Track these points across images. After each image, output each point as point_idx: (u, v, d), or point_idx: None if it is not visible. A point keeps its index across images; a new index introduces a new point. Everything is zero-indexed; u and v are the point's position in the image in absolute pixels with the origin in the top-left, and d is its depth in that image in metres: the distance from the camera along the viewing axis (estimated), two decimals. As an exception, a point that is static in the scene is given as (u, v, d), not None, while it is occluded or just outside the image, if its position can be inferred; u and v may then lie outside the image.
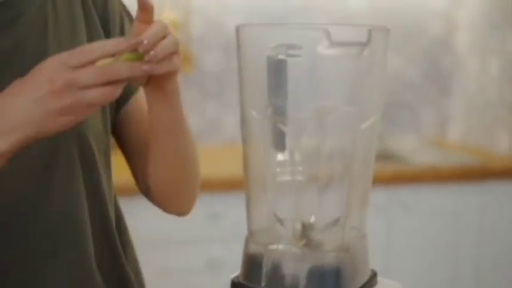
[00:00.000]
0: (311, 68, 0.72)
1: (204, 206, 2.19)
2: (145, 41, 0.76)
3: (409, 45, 2.86)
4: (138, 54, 0.76)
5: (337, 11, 2.77)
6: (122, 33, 0.98)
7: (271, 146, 0.76)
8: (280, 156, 0.76)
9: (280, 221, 0.76)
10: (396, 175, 2.40)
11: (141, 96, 0.99)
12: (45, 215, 0.87)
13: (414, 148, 2.74)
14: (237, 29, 0.73)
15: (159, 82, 0.85)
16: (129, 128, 1.00)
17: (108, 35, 0.96)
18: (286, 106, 0.74)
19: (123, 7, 1.01)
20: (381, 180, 2.37)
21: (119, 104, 0.98)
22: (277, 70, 0.74)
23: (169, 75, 0.84)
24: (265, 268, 0.74)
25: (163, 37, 0.78)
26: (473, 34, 2.83)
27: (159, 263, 2.19)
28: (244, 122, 0.75)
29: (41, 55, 0.88)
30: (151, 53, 0.76)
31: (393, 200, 2.40)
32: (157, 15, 2.54)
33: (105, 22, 0.97)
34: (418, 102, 2.91)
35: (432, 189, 2.42)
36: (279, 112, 0.75)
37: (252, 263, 0.75)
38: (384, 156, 2.66)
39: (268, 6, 2.68)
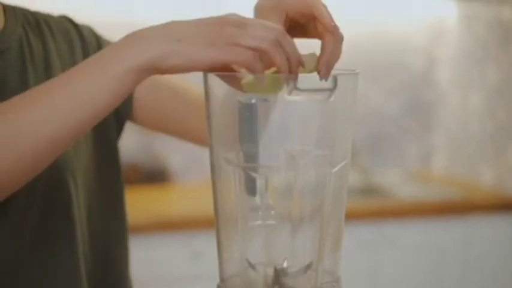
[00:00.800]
0: (280, 112, 0.72)
1: (186, 244, 2.18)
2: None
3: (390, 80, 2.88)
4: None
5: (316, 48, 2.78)
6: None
7: (241, 191, 0.75)
8: (251, 201, 0.76)
9: (253, 267, 0.75)
10: (380, 210, 2.40)
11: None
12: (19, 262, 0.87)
13: (398, 182, 2.74)
14: (205, 75, 0.73)
15: None
16: (150, 109, 1.01)
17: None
18: (258, 151, 0.74)
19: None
20: (365, 216, 2.37)
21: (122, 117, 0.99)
22: (248, 114, 0.74)
23: None
24: (238, 315, 0.73)
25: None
26: (453, 68, 2.85)
27: (141, 302, 2.16)
28: (213, 167, 0.75)
29: (22, 87, 0.88)
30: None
31: (377, 235, 2.39)
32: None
33: (85, 51, 0.97)
34: (401, 135, 2.92)
35: (416, 223, 2.42)
36: (249, 157, 0.74)
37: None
38: (368, 190, 2.66)
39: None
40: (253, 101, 0.73)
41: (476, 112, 2.72)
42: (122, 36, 0.72)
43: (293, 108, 0.71)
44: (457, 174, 2.81)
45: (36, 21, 0.96)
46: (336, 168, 0.74)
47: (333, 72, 0.70)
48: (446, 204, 2.44)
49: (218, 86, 0.73)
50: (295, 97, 0.68)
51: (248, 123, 0.73)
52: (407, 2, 2.83)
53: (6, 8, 0.94)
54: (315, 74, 0.69)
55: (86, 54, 0.97)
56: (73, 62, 0.95)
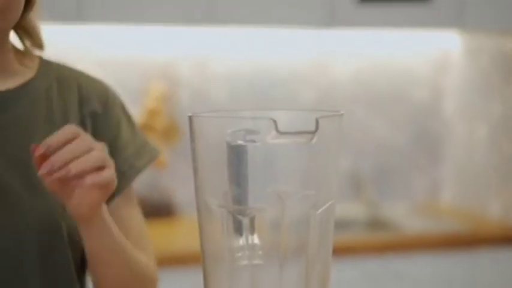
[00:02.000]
0: (264, 153, 0.73)
1: (191, 278, 2.18)
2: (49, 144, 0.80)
3: (396, 112, 2.88)
4: None
5: (321, 81, 2.81)
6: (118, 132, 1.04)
7: (228, 231, 0.76)
8: (238, 241, 0.76)
9: (240, 308, 0.75)
10: (387, 243, 2.39)
11: (117, 205, 1.02)
12: None
13: (405, 214, 2.73)
14: (190, 119, 0.74)
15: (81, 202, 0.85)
16: None
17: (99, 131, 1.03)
18: (246, 192, 0.75)
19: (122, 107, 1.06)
20: (372, 249, 2.35)
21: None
22: (236, 156, 0.75)
23: (93, 196, 0.84)
24: None
25: (70, 140, 0.81)
26: (459, 100, 2.86)
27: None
28: (199, 208, 0.75)
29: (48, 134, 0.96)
30: (52, 157, 0.79)
31: (384, 268, 2.38)
32: (145, 87, 2.57)
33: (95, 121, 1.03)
34: (407, 167, 2.91)
35: (423, 256, 2.40)
36: (237, 198, 0.75)
37: None
38: (374, 223, 2.65)
39: (252, 78, 2.72)
40: (242, 142, 0.74)
41: (482, 144, 2.72)
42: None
43: (277, 149, 0.72)
44: (464, 206, 2.79)
45: (65, 78, 1.02)
46: (322, 209, 0.74)
47: (316, 114, 0.71)
48: (453, 237, 2.42)
49: (203, 128, 0.74)
50: (277, 140, 0.68)
51: (236, 165, 0.74)
52: (412, 35, 2.85)
53: (42, 61, 1.02)
54: (298, 114, 0.70)
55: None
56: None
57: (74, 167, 0.81)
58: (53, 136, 0.81)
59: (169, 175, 2.59)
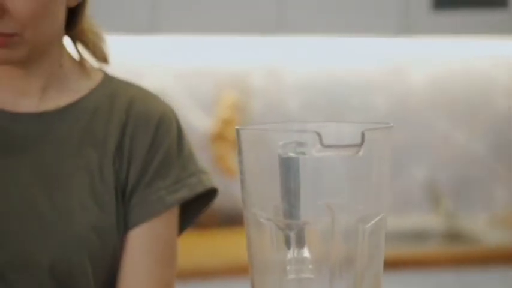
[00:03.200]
0: (313, 166, 0.72)
1: None
2: None
3: (474, 120, 2.81)
4: None
5: (396, 90, 2.76)
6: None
7: (277, 245, 0.75)
8: (287, 255, 0.76)
9: (290, 322, 0.75)
10: (465, 257, 2.32)
11: (136, 241, 0.98)
12: None
13: (485, 227, 2.65)
14: (237, 132, 0.74)
15: None
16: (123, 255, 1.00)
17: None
18: (296, 205, 0.74)
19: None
20: (449, 262, 2.29)
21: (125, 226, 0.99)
22: (287, 168, 0.74)
23: None
24: None
25: None
26: (541, 109, 2.76)
27: None
28: (247, 221, 0.75)
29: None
30: None
31: (461, 283, 2.31)
32: (217, 97, 2.59)
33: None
34: (487, 178, 2.83)
35: (503, 271, 2.32)
36: (287, 212, 0.74)
37: None
38: (452, 235, 2.58)
39: (326, 87, 2.70)
40: (292, 154, 0.74)
41: None
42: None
43: (325, 162, 0.71)
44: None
45: (118, 98, 1.00)
46: (371, 223, 0.73)
47: (365, 126, 0.70)
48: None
49: (250, 140, 0.73)
50: (322, 153, 0.68)
51: (287, 178, 0.73)
52: (490, 42, 2.77)
53: (104, 77, 1.01)
54: (342, 126, 0.69)
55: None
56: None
57: None
58: None
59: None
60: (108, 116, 0.99)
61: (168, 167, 0.98)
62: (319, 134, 0.67)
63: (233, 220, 2.54)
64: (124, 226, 0.97)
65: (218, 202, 2.62)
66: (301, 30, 2.34)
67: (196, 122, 2.57)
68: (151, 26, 2.24)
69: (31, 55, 0.92)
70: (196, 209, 1.04)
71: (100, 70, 1.03)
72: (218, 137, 2.54)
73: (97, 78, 1.01)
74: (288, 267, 0.75)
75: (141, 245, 0.96)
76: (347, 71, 2.72)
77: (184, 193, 0.99)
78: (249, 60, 2.63)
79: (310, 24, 2.34)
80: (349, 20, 2.36)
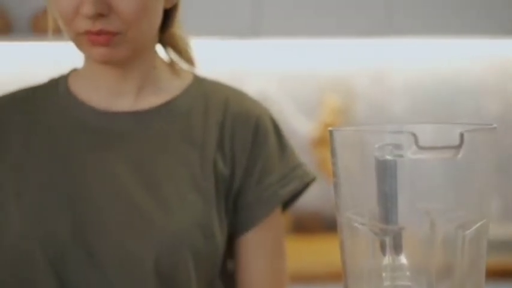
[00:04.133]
0: (410, 169, 0.69)
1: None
2: None
3: None
4: None
5: (506, 91, 2.65)
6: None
7: (373, 251, 0.73)
8: (383, 261, 0.73)
9: (385, 330, 0.72)
10: None
11: (253, 240, 1.00)
12: None
13: None
14: (331, 133, 0.72)
15: None
16: (236, 259, 1.02)
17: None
18: (393, 210, 0.72)
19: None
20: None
21: (233, 232, 1.00)
22: (384, 172, 0.72)
23: None
24: None
25: None
26: None
27: None
28: (341, 226, 0.73)
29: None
30: None
31: None
32: (320, 100, 2.58)
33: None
34: None
35: None
36: (383, 216, 0.72)
37: None
38: None
39: (433, 90, 2.63)
40: (389, 157, 0.71)
41: None
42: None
43: (422, 165, 0.68)
44: None
45: (213, 97, 1.02)
46: (472, 229, 0.69)
47: (464, 126, 0.67)
48: None
49: (344, 142, 0.71)
50: (418, 156, 0.65)
51: (383, 181, 0.71)
52: None
53: (194, 78, 1.04)
54: (441, 127, 0.66)
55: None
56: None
57: None
58: None
59: (345, 189, 2.56)
60: (204, 115, 1.00)
61: (273, 162, 1.01)
62: (415, 135, 0.64)
63: (335, 225, 2.51)
64: (231, 225, 0.99)
65: (321, 207, 2.61)
66: (407, 31, 2.29)
67: (299, 126, 2.56)
68: (254, 29, 2.25)
69: (131, 55, 0.94)
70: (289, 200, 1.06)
71: (189, 71, 1.06)
72: (320, 141, 2.52)
73: (188, 79, 1.04)
74: (383, 274, 0.72)
75: (259, 239, 1.00)
76: (455, 73, 2.63)
77: (295, 185, 1.02)
78: (352, 63, 2.59)
79: (416, 26, 2.29)
80: (457, 20, 2.29)
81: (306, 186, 1.03)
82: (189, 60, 1.05)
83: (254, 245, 1.00)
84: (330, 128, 0.72)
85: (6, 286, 0.91)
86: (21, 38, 2.25)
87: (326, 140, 2.51)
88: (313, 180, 1.04)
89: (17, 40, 2.27)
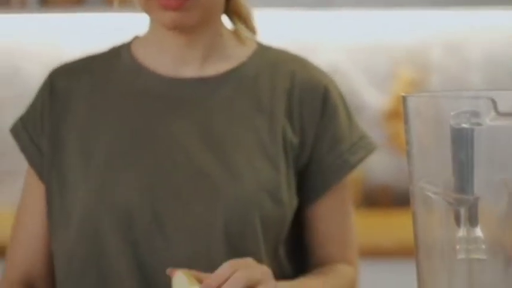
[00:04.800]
0: (489, 137, 0.66)
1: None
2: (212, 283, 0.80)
3: None
4: None
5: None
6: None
7: (447, 222, 0.70)
8: (457, 233, 0.71)
9: (458, 303, 0.70)
10: None
11: (326, 204, 0.99)
12: None
13: None
14: (404, 99, 0.70)
15: None
16: (305, 228, 1.01)
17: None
18: (469, 180, 0.69)
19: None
20: None
21: (303, 201, 0.99)
22: (460, 140, 0.69)
23: None
24: None
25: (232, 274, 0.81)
26: None
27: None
28: (414, 196, 0.71)
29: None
30: None
31: None
32: (393, 73, 2.53)
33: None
34: None
35: None
36: (458, 186, 0.70)
37: None
38: None
39: None
40: (466, 125, 0.69)
41: None
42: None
43: (502, 133, 0.65)
44: None
45: (279, 65, 1.02)
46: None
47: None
48: None
49: (419, 109, 0.69)
50: (498, 122, 0.62)
51: (459, 150, 0.69)
52: None
53: (258, 47, 1.04)
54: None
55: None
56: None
57: None
58: (214, 276, 0.81)
59: (417, 163, 2.52)
60: (270, 83, 1.00)
61: (344, 130, 1.01)
62: (493, 101, 0.61)
63: (408, 199, 2.47)
64: (301, 193, 0.99)
65: (393, 181, 2.57)
66: (483, 1, 2.21)
67: (370, 99, 2.52)
68: (324, 0, 2.22)
69: (200, 21, 0.94)
70: None
71: (253, 40, 1.05)
72: (393, 114, 2.48)
73: (252, 47, 1.03)
74: (457, 247, 0.70)
75: (330, 205, 1.01)
76: (535, 45, 2.54)
77: (363, 153, 1.03)
78: (427, 34, 2.53)
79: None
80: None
81: (369, 155, 1.05)
82: (252, 29, 1.05)
83: (325, 211, 1.01)
84: (403, 94, 0.69)
85: (76, 252, 0.93)
86: (92, 9, 2.29)
87: (398, 113, 2.47)
88: (375, 150, 1.05)
89: (90, 11, 2.30)
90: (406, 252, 2.11)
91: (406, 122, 0.71)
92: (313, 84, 1.00)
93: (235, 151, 0.95)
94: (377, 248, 2.12)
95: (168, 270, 0.84)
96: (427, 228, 0.72)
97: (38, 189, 1.00)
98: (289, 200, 0.97)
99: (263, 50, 1.03)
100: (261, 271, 0.83)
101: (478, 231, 0.70)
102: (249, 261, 0.84)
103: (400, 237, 2.16)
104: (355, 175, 1.99)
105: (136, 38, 1.04)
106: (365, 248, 2.11)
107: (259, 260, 0.93)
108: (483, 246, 0.70)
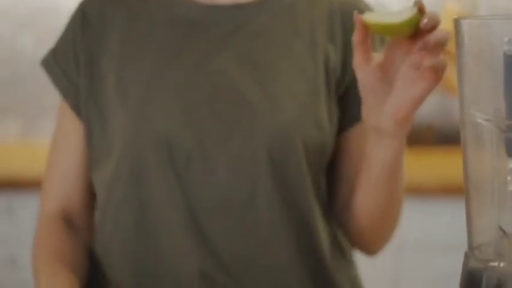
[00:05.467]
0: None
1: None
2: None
3: None
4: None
5: None
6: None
7: (498, 152, 0.68)
8: (509, 163, 0.69)
9: (507, 236, 0.68)
10: None
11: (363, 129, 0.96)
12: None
13: None
14: (457, 22, 0.67)
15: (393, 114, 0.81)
16: (342, 154, 0.98)
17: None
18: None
19: None
20: None
21: (343, 125, 0.96)
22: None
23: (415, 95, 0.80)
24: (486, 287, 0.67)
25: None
26: None
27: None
28: (464, 125, 0.69)
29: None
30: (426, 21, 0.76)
31: None
32: (439, 7, 2.46)
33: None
34: None
35: None
36: (510, 113, 0.67)
37: (471, 281, 0.69)
38: None
39: None
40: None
41: None
42: None
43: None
44: None
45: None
46: None
47: None
48: None
49: (475, 34, 0.66)
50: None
51: (512, 77, 0.66)
52: None
53: None
54: None
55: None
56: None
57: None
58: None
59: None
60: (309, 8, 0.97)
61: None
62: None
63: (450, 139, 2.43)
64: (341, 116, 0.96)
65: (435, 120, 2.52)
66: None
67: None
68: None
69: None
70: None
71: None
72: (439, 51, 2.42)
73: None
74: (508, 178, 0.68)
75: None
76: None
77: None
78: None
79: None
80: None
81: None
82: None
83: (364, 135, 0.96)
84: (456, 17, 0.66)
85: (117, 181, 0.93)
86: None
87: (444, 50, 2.40)
88: None
89: None
90: (450, 190, 2.09)
91: (459, 47, 0.68)
92: (352, 5, 0.96)
93: (275, 77, 0.93)
94: (420, 188, 2.11)
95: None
96: (477, 159, 0.70)
97: (73, 122, 0.99)
98: (331, 127, 0.95)
99: None
100: None
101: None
102: None
103: (444, 177, 2.14)
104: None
105: None
106: (408, 187, 2.09)
107: (304, 188, 0.92)
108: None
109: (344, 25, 0.96)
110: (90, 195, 1.00)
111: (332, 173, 0.98)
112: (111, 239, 0.95)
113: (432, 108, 2.51)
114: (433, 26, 0.77)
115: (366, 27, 0.79)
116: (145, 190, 0.92)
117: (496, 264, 0.67)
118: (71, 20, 1.00)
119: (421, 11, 0.77)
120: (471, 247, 0.69)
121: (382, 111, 0.82)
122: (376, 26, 0.78)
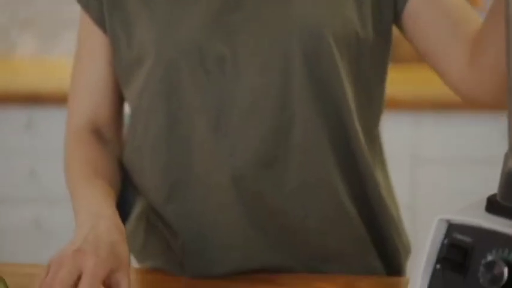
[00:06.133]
0: None
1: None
2: None
3: None
4: None
5: None
6: None
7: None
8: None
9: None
10: None
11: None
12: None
13: None
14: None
15: None
16: (425, 27, 0.93)
17: None
18: None
19: None
20: None
21: (397, 9, 0.93)
22: None
23: None
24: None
25: None
26: None
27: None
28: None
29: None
30: None
31: None
32: None
33: None
34: None
35: None
36: None
37: (510, 182, 0.68)
38: None
39: None
40: None
41: None
42: None
43: None
44: None
45: None
46: None
47: None
48: None
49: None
50: None
51: None
52: None
53: None
54: None
55: None
56: None
57: None
58: None
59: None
60: None
61: None
62: None
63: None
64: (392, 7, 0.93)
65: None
66: None
67: None
68: None
69: None
70: None
71: None
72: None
73: None
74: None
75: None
76: None
77: None
78: None
79: None
80: None
81: None
82: None
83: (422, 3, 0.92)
84: None
85: (147, 89, 0.91)
86: None
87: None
88: None
89: None
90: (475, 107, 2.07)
91: (508, 22, 0.66)
92: None
93: None
94: (448, 102, 2.09)
95: None
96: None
97: (96, 36, 0.97)
98: (361, 24, 0.92)
99: None
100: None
101: None
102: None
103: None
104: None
105: None
106: (434, 102, 2.08)
107: (338, 82, 0.90)
108: None
109: None
110: (119, 108, 1.00)
111: (435, 48, 0.92)
112: (141, 147, 0.95)
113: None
114: None
115: None
116: (177, 96, 0.91)
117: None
118: None
119: None
120: (511, 147, 0.69)
121: None
122: None
